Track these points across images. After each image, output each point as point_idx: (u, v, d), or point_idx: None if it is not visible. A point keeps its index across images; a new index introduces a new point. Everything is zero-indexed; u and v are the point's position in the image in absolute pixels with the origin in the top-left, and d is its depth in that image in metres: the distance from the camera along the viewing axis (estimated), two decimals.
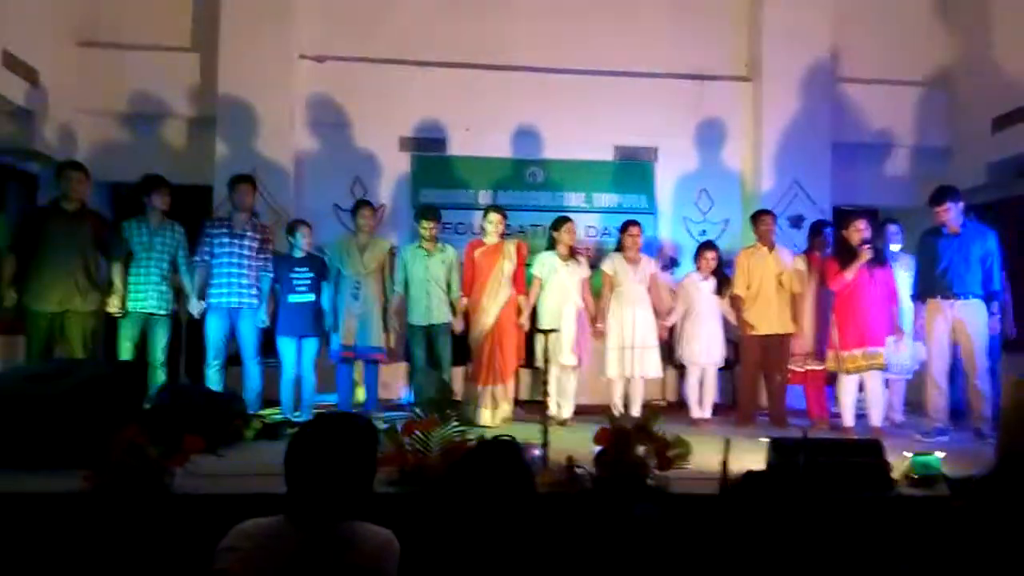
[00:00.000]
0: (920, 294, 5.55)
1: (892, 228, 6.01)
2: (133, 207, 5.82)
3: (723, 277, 6.08)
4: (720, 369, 6.38)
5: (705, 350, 5.94)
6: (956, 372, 5.57)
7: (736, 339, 6.23)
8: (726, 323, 6.14)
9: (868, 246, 5.45)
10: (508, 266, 5.79)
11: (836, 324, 5.54)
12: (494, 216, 5.87)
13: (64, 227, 5.19)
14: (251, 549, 1.77)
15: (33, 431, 3.77)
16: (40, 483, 3.39)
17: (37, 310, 5.15)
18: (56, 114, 6.37)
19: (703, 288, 6.01)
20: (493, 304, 5.75)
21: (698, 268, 6.08)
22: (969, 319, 5.28)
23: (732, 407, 6.33)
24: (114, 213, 6.68)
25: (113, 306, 5.38)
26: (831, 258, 5.66)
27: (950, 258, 5.33)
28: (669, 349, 6.17)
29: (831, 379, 5.73)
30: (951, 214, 5.36)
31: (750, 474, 1.69)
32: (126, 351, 5.47)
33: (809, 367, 5.87)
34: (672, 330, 6.11)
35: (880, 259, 5.53)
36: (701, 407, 5.98)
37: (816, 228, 6.17)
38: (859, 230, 5.50)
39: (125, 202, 6.78)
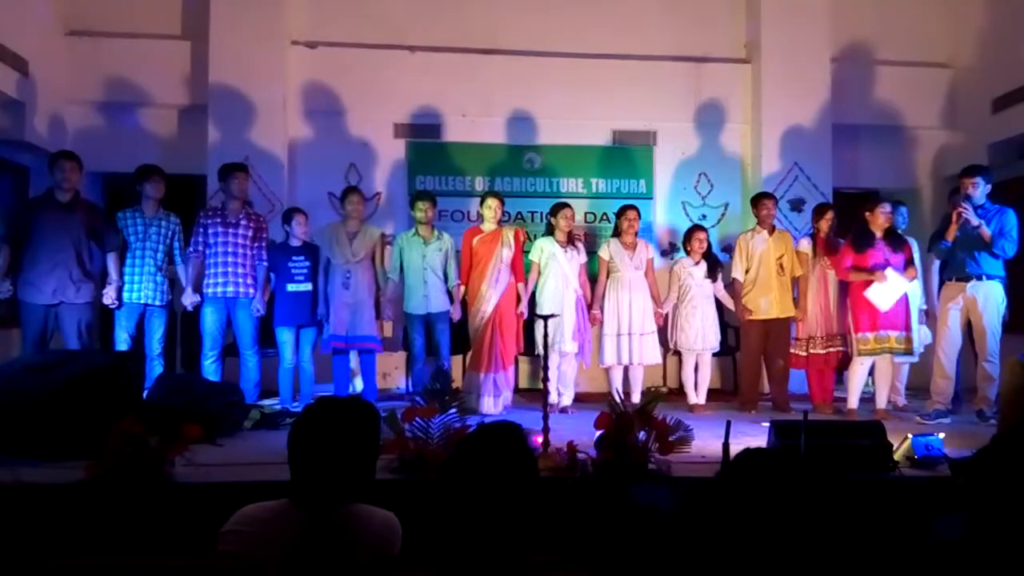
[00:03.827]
0: (942, 277, 5.52)
1: (902, 210, 5.97)
2: (126, 197, 5.77)
3: (714, 261, 6.02)
4: (722, 354, 6.35)
5: (699, 336, 5.85)
6: (960, 355, 5.54)
7: (736, 324, 6.20)
8: (725, 308, 6.11)
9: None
10: (507, 253, 5.72)
11: (863, 307, 5.40)
12: (492, 201, 5.78)
13: (57, 218, 5.14)
14: (255, 531, 1.78)
15: (32, 422, 3.75)
16: (40, 474, 3.37)
17: (31, 302, 5.11)
18: (47, 105, 6.30)
19: (695, 273, 5.92)
20: (492, 291, 5.67)
21: (689, 252, 5.99)
22: (981, 300, 5.19)
23: (734, 392, 6.31)
24: (106, 203, 6.64)
25: (108, 297, 5.35)
26: (846, 243, 5.52)
27: (964, 239, 5.25)
28: (664, 336, 6.12)
29: (843, 363, 5.67)
30: (977, 190, 5.22)
31: (748, 451, 1.66)
32: (122, 342, 5.44)
33: (813, 351, 5.80)
34: (666, 316, 6.04)
35: (899, 243, 5.50)
36: (697, 393, 5.93)
37: (820, 210, 6.12)
38: (885, 213, 5.46)
39: (117, 193, 6.73)
